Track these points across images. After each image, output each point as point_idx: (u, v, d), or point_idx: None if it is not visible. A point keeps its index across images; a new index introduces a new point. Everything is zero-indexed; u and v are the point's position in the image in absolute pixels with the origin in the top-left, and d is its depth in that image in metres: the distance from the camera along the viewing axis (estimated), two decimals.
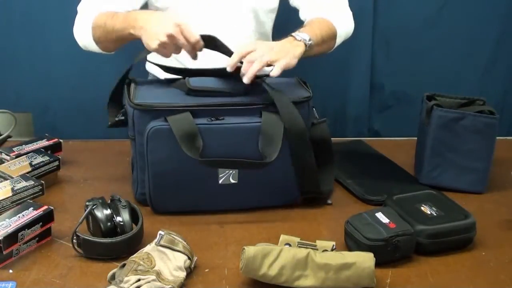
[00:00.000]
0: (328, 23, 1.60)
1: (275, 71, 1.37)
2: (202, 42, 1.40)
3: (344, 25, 1.66)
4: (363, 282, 1.14)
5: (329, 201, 1.48)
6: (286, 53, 1.41)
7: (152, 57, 1.50)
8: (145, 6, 1.67)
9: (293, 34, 1.48)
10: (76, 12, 1.58)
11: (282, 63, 1.38)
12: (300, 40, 1.46)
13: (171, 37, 1.35)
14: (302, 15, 1.69)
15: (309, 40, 1.47)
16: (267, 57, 1.37)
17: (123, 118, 1.42)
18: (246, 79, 1.37)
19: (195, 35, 1.38)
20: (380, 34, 2.13)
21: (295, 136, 1.36)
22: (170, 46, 1.37)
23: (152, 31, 1.37)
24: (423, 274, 1.22)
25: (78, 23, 1.57)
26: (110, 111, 1.46)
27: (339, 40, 1.64)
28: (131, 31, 1.43)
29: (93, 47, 1.56)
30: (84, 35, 1.56)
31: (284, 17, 1.84)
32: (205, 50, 1.42)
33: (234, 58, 1.39)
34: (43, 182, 1.42)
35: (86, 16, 1.56)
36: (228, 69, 1.39)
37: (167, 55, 1.41)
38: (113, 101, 1.46)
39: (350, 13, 1.71)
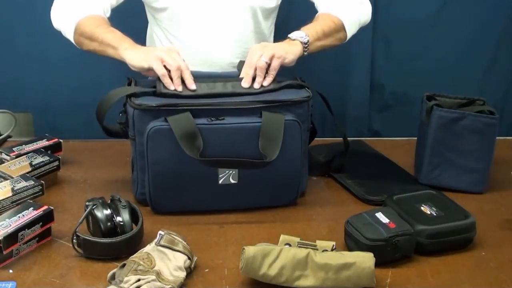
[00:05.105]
0: (331, 17, 1.60)
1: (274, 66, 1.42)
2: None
3: (353, 14, 1.63)
4: (363, 282, 1.14)
5: None
6: (282, 48, 1.46)
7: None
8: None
9: (288, 35, 1.52)
10: None
11: (278, 54, 1.43)
12: (295, 39, 1.50)
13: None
14: (319, 9, 1.69)
15: (305, 36, 1.50)
16: (267, 55, 1.42)
17: (124, 121, 1.43)
18: (266, 83, 1.42)
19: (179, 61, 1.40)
20: (380, 34, 2.12)
21: None
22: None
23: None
24: (423, 274, 1.22)
25: (60, 6, 1.59)
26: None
27: (353, 29, 1.63)
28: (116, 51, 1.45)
29: (68, 36, 1.57)
30: (64, 23, 1.56)
31: (285, 18, 1.84)
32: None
33: (249, 72, 1.42)
34: (43, 182, 1.42)
35: (72, 5, 1.57)
36: (245, 85, 1.41)
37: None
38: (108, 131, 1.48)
39: (366, 0, 1.69)
